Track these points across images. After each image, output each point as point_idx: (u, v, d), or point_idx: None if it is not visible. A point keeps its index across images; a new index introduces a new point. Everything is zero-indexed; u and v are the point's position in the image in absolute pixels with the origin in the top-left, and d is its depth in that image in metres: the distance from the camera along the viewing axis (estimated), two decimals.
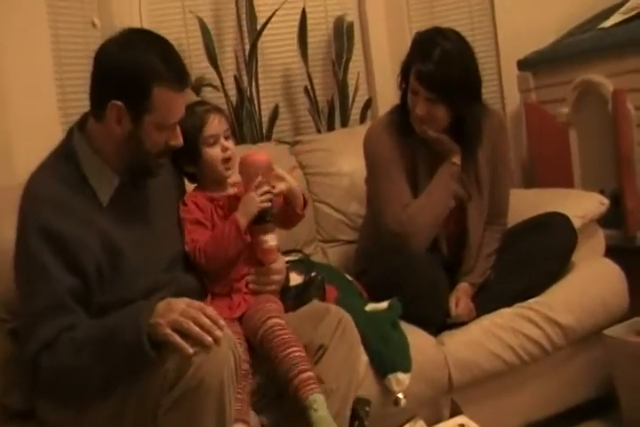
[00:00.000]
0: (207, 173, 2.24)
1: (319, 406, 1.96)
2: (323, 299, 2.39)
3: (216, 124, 2.22)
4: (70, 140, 1.99)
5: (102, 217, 1.94)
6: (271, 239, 2.20)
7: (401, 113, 2.62)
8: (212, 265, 2.15)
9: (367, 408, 2.11)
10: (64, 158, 1.96)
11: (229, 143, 2.24)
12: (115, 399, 1.80)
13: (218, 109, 2.27)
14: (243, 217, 2.14)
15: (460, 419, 2.34)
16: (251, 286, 2.20)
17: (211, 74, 3.40)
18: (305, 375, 1.99)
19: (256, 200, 2.16)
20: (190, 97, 2.06)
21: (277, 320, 2.09)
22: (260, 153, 2.24)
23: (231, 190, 2.26)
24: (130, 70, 1.88)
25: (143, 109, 1.90)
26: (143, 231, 2.03)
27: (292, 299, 2.31)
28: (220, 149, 2.21)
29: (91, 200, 1.94)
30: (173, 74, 1.91)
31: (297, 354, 2.02)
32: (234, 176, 2.26)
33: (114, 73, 1.90)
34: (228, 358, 1.72)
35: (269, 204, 2.17)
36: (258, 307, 2.15)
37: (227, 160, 2.22)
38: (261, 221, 2.18)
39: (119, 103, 1.88)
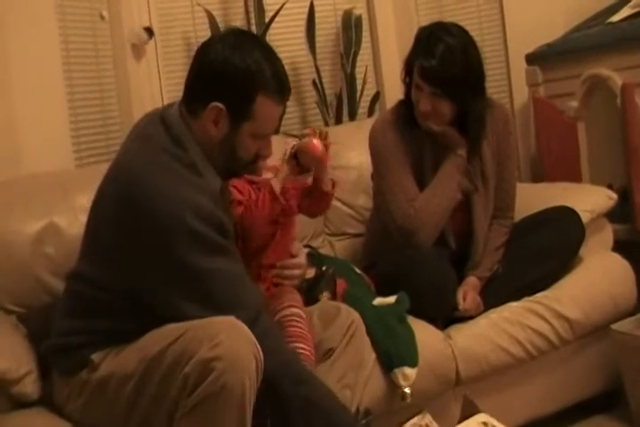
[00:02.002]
0: None
1: None
2: (334, 292, 2.40)
3: None
4: (172, 127, 1.93)
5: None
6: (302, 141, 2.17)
7: (405, 108, 2.62)
8: (250, 234, 2.14)
9: (363, 421, 2.10)
10: (174, 147, 1.91)
11: None
12: (126, 396, 1.80)
13: None
14: (275, 181, 2.15)
15: (481, 417, 2.34)
16: (274, 279, 2.21)
17: None
18: None
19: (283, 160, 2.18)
20: None
21: (296, 310, 2.10)
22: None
23: (268, 175, 2.24)
24: (241, 76, 1.87)
25: (243, 116, 1.89)
26: None
27: (304, 292, 2.31)
28: None
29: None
30: (279, 85, 1.92)
31: (302, 351, 2.02)
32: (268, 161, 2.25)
33: (223, 75, 1.88)
34: (251, 365, 1.70)
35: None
36: (279, 294, 2.16)
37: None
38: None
39: (221, 106, 1.87)
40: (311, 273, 2.37)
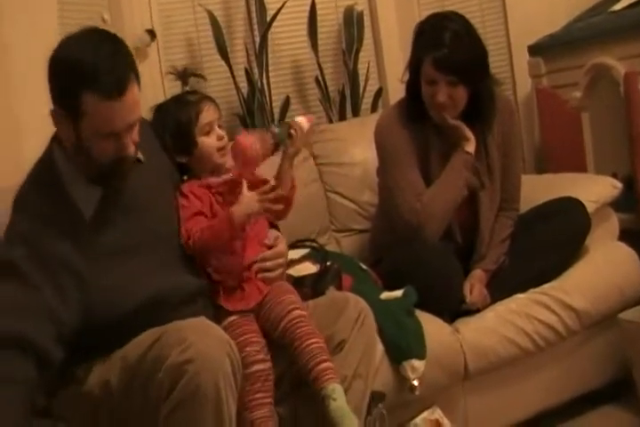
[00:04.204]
0: (202, 161, 2.21)
1: (338, 395, 1.97)
2: (339, 287, 2.41)
3: (211, 113, 2.21)
4: (50, 150, 1.93)
5: (85, 229, 1.88)
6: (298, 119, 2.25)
7: (410, 103, 2.63)
8: (203, 254, 2.12)
9: (380, 405, 2.11)
10: (45, 171, 1.91)
11: (222, 131, 2.23)
12: (117, 407, 1.82)
13: (209, 98, 2.26)
14: (239, 215, 2.07)
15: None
16: (259, 275, 2.19)
17: (221, 66, 3.41)
18: (324, 365, 2.00)
19: (254, 201, 2.10)
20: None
21: (300, 312, 2.10)
22: (246, 137, 2.16)
23: (226, 176, 2.21)
24: (61, 73, 1.79)
25: (77, 115, 1.79)
26: (134, 237, 1.96)
27: (309, 288, 2.32)
28: (215, 137, 2.20)
29: (73, 213, 1.88)
30: (103, 78, 1.76)
31: (317, 345, 2.03)
32: (229, 161, 2.22)
33: (52, 76, 1.81)
34: (224, 364, 1.71)
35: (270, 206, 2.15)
36: (279, 299, 2.15)
37: (222, 148, 2.20)
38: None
39: (57, 109, 1.81)
40: (314, 269, 2.38)
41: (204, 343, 1.71)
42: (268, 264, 2.19)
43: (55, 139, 1.94)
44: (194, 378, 1.67)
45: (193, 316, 1.92)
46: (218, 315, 2.10)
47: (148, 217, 2.02)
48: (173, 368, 1.69)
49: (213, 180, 2.21)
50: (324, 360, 2.01)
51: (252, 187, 2.14)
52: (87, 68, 1.76)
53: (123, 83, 1.79)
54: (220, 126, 2.23)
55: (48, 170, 1.91)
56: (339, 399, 1.96)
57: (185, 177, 2.26)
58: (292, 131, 2.20)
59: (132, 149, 1.88)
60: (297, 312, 2.09)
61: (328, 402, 1.96)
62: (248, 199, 2.10)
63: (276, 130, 2.19)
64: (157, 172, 2.13)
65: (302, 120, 2.24)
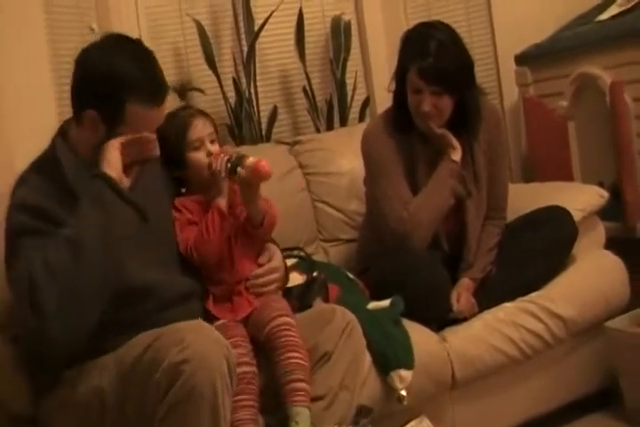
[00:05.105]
0: (195, 177, 2.22)
1: (301, 420, 1.96)
2: (326, 298, 2.40)
3: (200, 128, 2.20)
4: (54, 148, 1.95)
5: None
6: (249, 160, 2.10)
7: (396, 112, 2.64)
8: (205, 259, 2.12)
9: (365, 420, 2.11)
10: (47, 168, 1.92)
11: (214, 147, 2.21)
12: (112, 411, 1.81)
13: (202, 113, 2.26)
14: (220, 199, 2.13)
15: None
16: (251, 290, 2.19)
17: (209, 76, 3.41)
18: (298, 385, 1.99)
19: (219, 177, 2.13)
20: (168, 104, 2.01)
21: (287, 319, 2.09)
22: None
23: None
24: (105, 82, 1.84)
25: (117, 122, 1.86)
26: (130, 229, 1.92)
27: (296, 299, 2.30)
28: (204, 153, 2.19)
29: (74, 204, 1.86)
30: (149, 89, 1.87)
31: (296, 361, 2.02)
32: None
33: (90, 82, 1.87)
34: (221, 366, 1.71)
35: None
36: (267, 304, 2.15)
37: (211, 164, 2.17)
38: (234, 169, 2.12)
39: (94, 113, 1.85)
40: (301, 280, 2.38)
41: (201, 344, 1.71)
42: (261, 281, 2.20)
43: (59, 135, 1.97)
44: (190, 379, 1.67)
45: (187, 313, 1.94)
46: (206, 318, 2.09)
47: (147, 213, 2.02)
48: (170, 368, 1.68)
49: (203, 198, 2.21)
50: (300, 380, 2.00)
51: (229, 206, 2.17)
52: (133, 81, 1.84)
53: (164, 92, 1.91)
54: (212, 141, 2.22)
55: (51, 162, 1.93)
56: (301, 424, 1.96)
57: (183, 190, 2.27)
58: (239, 168, 2.11)
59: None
60: (282, 319, 2.08)
61: (290, 424, 1.96)
62: (215, 181, 2.14)
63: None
64: (154, 178, 2.14)
65: (251, 163, 2.10)
